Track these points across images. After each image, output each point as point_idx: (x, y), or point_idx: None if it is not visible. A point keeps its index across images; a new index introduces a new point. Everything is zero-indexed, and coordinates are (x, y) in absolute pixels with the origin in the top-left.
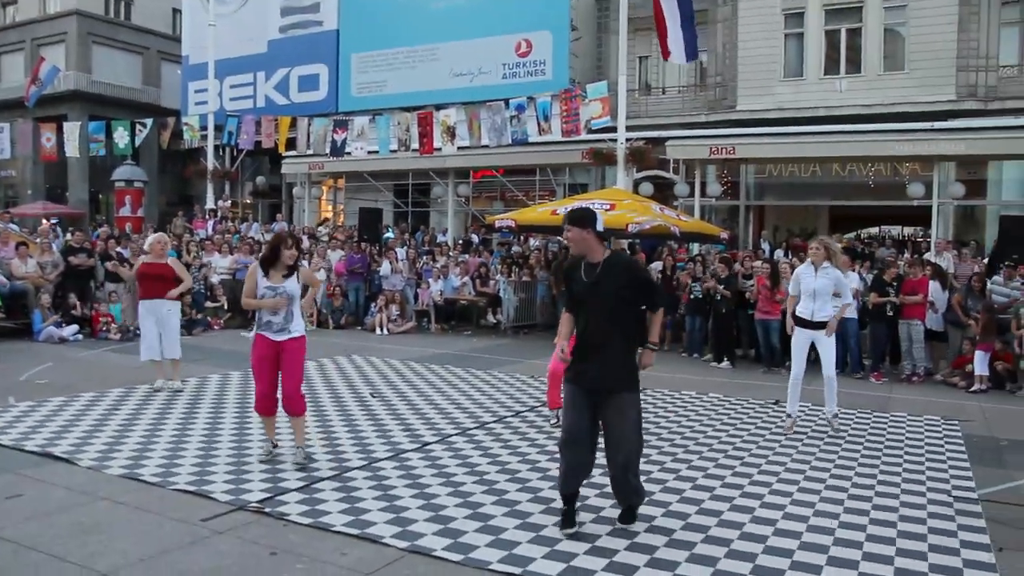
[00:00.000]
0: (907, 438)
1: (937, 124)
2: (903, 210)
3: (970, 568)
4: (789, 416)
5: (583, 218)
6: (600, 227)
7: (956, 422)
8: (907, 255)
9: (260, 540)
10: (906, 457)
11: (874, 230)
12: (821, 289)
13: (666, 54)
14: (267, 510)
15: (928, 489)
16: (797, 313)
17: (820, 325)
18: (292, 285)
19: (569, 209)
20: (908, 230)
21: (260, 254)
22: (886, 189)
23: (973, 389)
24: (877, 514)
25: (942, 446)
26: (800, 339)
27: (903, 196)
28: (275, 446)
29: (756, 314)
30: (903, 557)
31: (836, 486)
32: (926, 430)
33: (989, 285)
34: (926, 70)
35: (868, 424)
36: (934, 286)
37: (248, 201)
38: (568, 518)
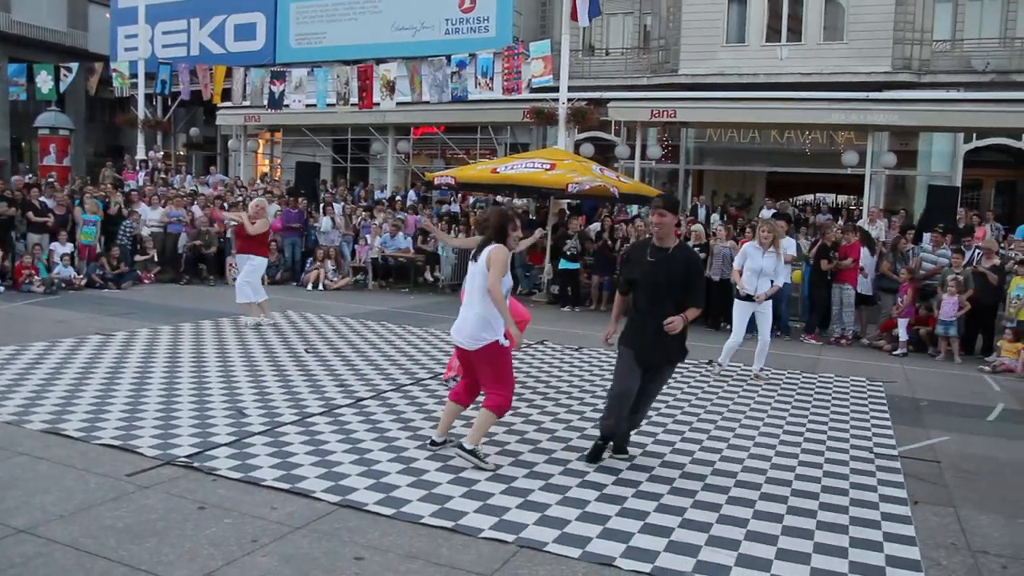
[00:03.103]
0: (834, 398)
1: (872, 95)
2: (837, 178)
3: (887, 520)
4: (719, 364)
5: (676, 205)
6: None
7: (880, 383)
8: (840, 222)
9: (188, 495)
10: (832, 416)
11: (809, 197)
12: (767, 269)
13: (575, 15)
14: (196, 465)
15: (852, 447)
16: (741, 289)
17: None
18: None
19: (663, 195)
20: (842, 198)
21: (491, 235)
22: (822, 157)
23: (897, 352)
24: (803, 470)
25: (866, 406)
26: (743, 310)
27: (838, 164)
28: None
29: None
30: (825, 511)
31: (764, 443)
32: (852, 390)
33: (920, 253)
34: (863, 41)
35: (797, 384)
36: (863, 252)
37: (182, 153)
38: (596, 454)
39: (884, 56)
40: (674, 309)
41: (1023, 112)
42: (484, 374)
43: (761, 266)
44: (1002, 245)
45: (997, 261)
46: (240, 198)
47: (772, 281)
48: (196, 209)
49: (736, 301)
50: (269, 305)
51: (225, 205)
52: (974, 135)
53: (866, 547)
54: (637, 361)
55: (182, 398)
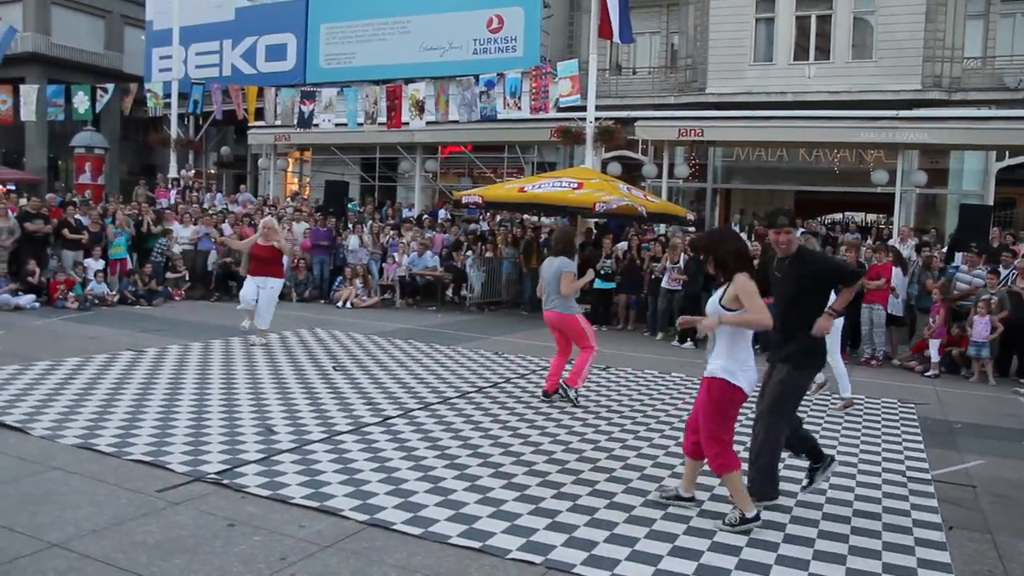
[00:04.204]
0: (864, 420)
1: (902, 113)
2: (867, 197)
3: (921, 546)
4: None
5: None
6: None
7: (912, 405)
8: (870, 241)
9: (217, 511)
10: (863, 438)
11: (838, 216)
12: None
13: (607, 33)
14: (225, 482)
15: (883, 470)
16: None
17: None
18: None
19: (782, 211)
20: (871, 217)
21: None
22: (851, 176)
23: (929, 374)
24: (833, 493)
25: (898, 428)
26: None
27: (867, 183)
28: (687, 499)
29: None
30: (857, 536)
31: (795, 465)
32: (883, 412)
33: (956, 274)
34: (893, 59)
35: (827, 406)
36: (895, 272)
37: (212, 171)
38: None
39: (914, 74)
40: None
41: None
42: None
43: None
44: None
45: None
46: (270, 215)
47: None
48: (226, 227)
49: None
50: (286, 324)
51: (255, 223)
52: (1007, 153)
53: (900, 574)
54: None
55: (212, 415)
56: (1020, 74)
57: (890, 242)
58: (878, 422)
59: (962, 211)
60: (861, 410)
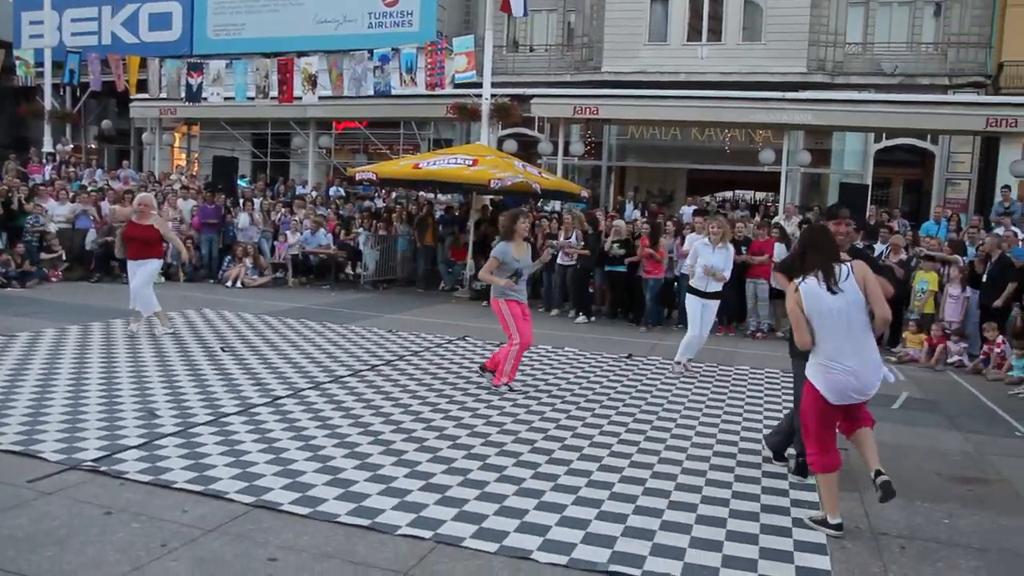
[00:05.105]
0: (749, 390)
1: (788, 94)
2: (755, 176)
3: (797, 507)
4: (680, 363)
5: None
6: None
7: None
8: (757, 218)
9: (93, 500)
10: (746, 407)
11: (728, 194)
12: (718, 266)
13: (507, 7)
14: (103, 469)
15: (764, 436)
16: (693, 285)
17: (710, 295)
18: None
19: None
20: (760, 195)
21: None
22: (740, 155)
23: None
24: (717, 460)
25: (779, 397)
26: (695, 305)
27: (755, 162)
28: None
29: (643, 273)
30: (738, 499)
31: (680, 435)
32: (766, 382)
33: None
34: (780, 42)
35: (714, 377)
36: (779, 248)
37: (93, 146)
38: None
39: (800, 57)
40: None
41: (928, 114)
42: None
43: (712, 263)
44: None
45: (904, 256)
46: (154, 192)
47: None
48: (105, 205)
49: (688, 296)
50: (173, 304)
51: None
52: (884, 135)
53: (776, 533)
54: None
55: (90, 400)
56: (896, 60)
57: (776, 218)
58: (761, 392)
59: (842, 189)
60: (745, 379)
